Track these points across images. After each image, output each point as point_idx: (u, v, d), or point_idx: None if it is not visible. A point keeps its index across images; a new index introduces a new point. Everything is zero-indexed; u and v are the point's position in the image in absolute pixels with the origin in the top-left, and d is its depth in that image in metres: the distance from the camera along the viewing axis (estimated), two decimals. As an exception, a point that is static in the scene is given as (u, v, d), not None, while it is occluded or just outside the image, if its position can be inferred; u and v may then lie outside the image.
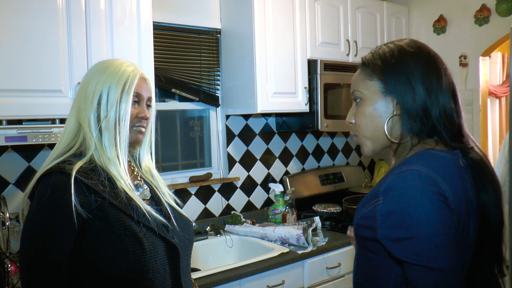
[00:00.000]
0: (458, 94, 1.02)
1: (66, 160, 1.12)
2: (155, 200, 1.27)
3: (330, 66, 2.75)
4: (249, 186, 2.90)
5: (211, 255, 2.39)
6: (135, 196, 1.16)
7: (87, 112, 1.17)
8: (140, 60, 2.00)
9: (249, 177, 2.90)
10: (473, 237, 0.97)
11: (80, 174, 1.09)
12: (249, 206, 2.90)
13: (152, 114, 1.29)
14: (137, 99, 1.22)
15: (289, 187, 2.91)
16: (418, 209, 0.86)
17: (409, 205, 0.87)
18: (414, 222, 0.86)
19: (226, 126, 2.81)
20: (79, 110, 1.18)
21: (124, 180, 1.15)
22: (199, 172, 2.72)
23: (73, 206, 1.04)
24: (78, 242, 1.08)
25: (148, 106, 1.27)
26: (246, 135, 2.89)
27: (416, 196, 0.87)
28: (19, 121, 1.73)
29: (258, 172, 2.94)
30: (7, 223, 1.77)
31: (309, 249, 2.27)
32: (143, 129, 1.25)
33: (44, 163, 1.14)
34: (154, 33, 2.07)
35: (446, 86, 0.98)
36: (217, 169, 2.81)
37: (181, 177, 2.66)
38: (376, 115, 1.00)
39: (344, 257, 2.41)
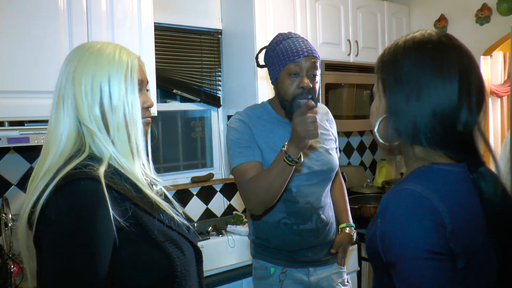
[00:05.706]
0: (484, 97, 0.89)
1: (83, 164, 0.94)
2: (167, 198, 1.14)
3: (331, 66, 2.75)
4: (250, 186, 2.89)
5: (213, 255, 2.39)
6: (160, 199, 1.04)
7: (92, 109, 0.99)
8: (141, 61, 2.00)
9: (250, 177, 2.89)
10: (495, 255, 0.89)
11: (107, 179, 0.94)
12: (250, 206, 2.89)
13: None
14: (140, 87, 1.07)
15: (290, 187, 2.91)
16: (405, 230, 0.81)
17: (397, 226, 0.82)
18: (400, 243, 0.81)
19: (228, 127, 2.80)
20: (78, 107, 0.99)
21: (143, 183, 1.03)
22: (201, 172, 2.73)
23: (112, 217, 0.90)
24: (112, 256, 0.93)
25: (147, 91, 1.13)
26: (248, 136, 2.88)
27: (406, 217, 0.82)
28: (21, 122, 1.74)
29: (260, 172, 2.94)
30: (10, 224, 1.78)
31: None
32: (149, 120, 1.11)
33: (47, 168, 0.97)
34: (155, 34, 2.08)
35: (451, 85, 0.86)
36: (219, 170, 2.81)
37: (183, 177, 2.66)
38: (374, 113, 0.98)
39: (347, 256, 2.41)
